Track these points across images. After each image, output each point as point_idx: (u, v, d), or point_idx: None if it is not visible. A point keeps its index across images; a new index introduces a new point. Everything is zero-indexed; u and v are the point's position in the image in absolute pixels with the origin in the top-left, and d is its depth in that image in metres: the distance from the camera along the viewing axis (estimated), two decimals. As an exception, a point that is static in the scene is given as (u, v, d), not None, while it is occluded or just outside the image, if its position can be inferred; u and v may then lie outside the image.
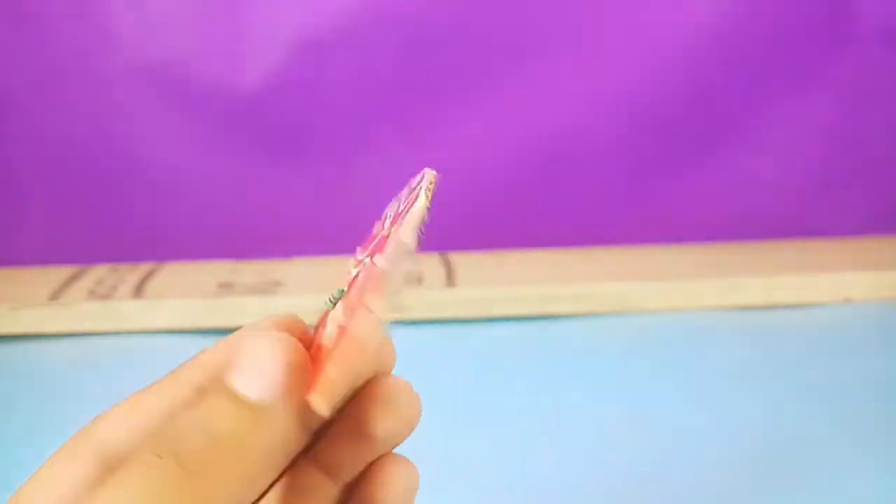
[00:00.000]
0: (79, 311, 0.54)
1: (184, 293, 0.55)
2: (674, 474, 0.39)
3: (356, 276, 0.21)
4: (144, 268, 0.61)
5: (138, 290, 0.56)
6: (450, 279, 0.58)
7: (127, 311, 0.54)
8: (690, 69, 0.62)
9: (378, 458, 0.21)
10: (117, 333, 0.54)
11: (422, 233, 0.20)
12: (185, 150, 0.62)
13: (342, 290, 0.21)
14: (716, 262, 0.61)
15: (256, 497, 0.18)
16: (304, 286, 0.57)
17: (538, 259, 0.62)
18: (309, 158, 0.63)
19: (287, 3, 0.59)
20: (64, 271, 0.60)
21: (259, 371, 0.18)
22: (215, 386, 0.18)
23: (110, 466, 0.19)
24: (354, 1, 0.59)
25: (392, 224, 0.21)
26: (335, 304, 0.21)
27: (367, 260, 0.21)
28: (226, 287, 0.57)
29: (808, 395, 0.46)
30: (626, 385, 0.47)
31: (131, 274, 0.59)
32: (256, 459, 0.18)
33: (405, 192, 0.22)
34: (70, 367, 0.50)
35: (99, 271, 0.60)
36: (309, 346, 0.20)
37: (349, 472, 0.21)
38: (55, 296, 0.55)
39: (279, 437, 0.18)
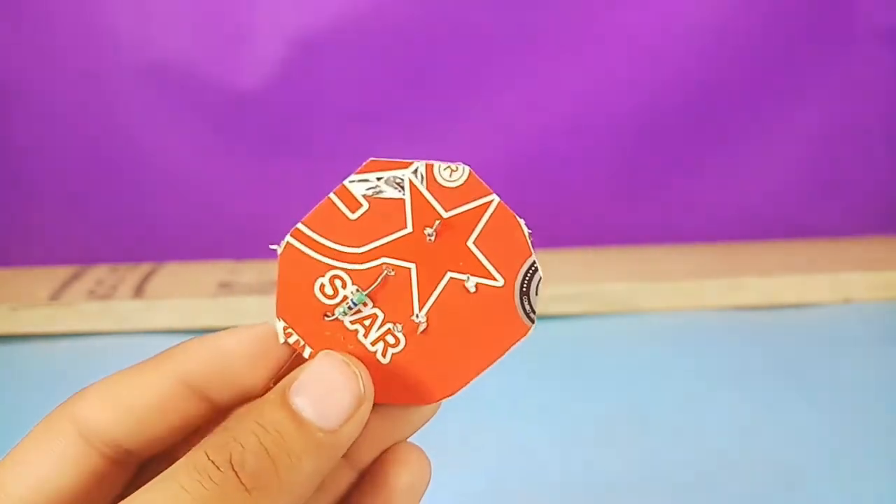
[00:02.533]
0: (79, 311, 0.54)
1: (184, 293, 0.55)
2: (674, 474, 0.39)
3: (381, 279, 0.20)
4: (144, 268, 0.61)
5: (138, 290, 0.56)
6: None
7: (127, 311, 0.54)
8: (691, 69, 0.62)
9: (393, 446, 0.21)
10: (117, 333, 0.54)
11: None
12: (185, 150, 0.62)
13: (363, 295, 0.20)
14: (716, 262, 0.61)
15: None
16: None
17: (538, 259, 0.62)
18: (309, 158, 0.63)
19: (287, 3, 0.59)
20: (64, 271, 0.60)
21: (331, 399, 0.18)
22: (275, 402, 0.18)
23: (93, 446, 0.19)
24: (354, 1, 0.59)
25: (436, 232, 0.20)
26: (353, 310, 0.20)
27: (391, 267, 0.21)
28: (225, 287, 0.57)
29: (809, 394, 0.46)
30: (626, 385, 0.47)
31: (131, 274, 0.59)
32: (311, 482, 0.18)
33: (440, 170, 0.21)
34: (70, 367, 0.50)
35: (99, 271, 0.60)
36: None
37: (367, 458, 0.22)
38: (55, 296, 0.55)
39: (334, 462, 0.19)
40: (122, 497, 0.20)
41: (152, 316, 0.54)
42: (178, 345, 0.20)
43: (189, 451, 0.21)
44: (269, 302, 0.55)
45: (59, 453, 0.19)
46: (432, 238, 0.20)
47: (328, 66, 0.61)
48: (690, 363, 0.50)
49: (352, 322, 0.20)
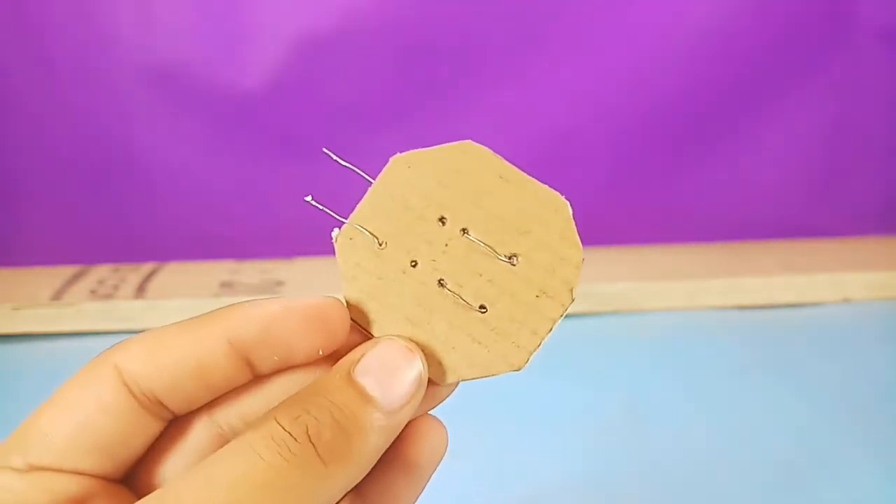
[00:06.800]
0: (81, 311, 0.54)
1: (185, 293, 0.56)
2: (673, 473, 0.39)
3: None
4: (146, 268, 0.61)
5: (140, 290, 0.56)
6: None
7: (129, 311, 0.54)
8: (691, 69, 0.62)
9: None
10: (119, 333, 0.54)
11: None
12: (186, 150, 0.62)
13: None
14: (716, 262, 0.61)
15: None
16: (305, 286, 0.57)
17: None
18: (309, 158, 0.63)
19: (287, 3, 0.60)
20: (66, 271, 0.60)
21: (395, 382, 0.19)
22: (344, 380, 0.19)
23: (134, 395, 0.19)
24: (354, 2, 0.60)
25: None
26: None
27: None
28: (227, 287, 0.57)
29: (808, 394, 0.46)
30: (626, 385, 0.47)
31: (133, 274, 0.59)
32: (373, 459, 0.19)
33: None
34: (72, 367, 0.50)
35: (101, 271, 0.60)
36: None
37: None
38: (57, 296, 0.55)
39: (391, 441, 0.19)
40: (152, 447, 0.20)
41: (154, 316, 0.54)
42: (227, 306, 0.21)
43: (219, 413, 0.21)
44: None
45: (101, 398, 0.19)
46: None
47: (329, 67, 0.61)
48: (690, 363, 0.50)
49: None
